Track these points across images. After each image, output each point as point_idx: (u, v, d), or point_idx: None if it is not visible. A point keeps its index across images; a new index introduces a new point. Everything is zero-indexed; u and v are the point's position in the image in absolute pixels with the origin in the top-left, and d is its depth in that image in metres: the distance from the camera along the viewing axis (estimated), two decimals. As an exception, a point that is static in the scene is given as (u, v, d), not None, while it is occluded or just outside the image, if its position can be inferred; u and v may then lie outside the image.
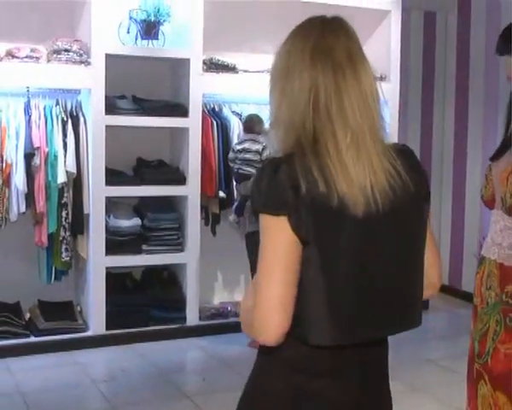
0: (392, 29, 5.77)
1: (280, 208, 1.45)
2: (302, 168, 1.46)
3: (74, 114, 4.98)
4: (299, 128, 1.52)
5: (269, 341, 1.48)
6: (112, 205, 5.13)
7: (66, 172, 4.83)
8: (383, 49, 5.82)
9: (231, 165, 5.07)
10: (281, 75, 1.56)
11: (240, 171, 4.95)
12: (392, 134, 5.77)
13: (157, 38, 5.15)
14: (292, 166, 1.46)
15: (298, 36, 1.57)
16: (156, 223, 5.20)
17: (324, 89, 1.51)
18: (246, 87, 5.26)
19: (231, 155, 5.06)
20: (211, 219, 5.46)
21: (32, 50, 4.84)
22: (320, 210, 1.46)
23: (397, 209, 1.52)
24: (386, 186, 1.51)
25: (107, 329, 5.02)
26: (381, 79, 5.78)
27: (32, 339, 4.89)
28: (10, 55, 4.78)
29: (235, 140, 5.30)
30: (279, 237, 1.46)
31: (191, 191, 5.19)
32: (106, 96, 4.93)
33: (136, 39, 5.14)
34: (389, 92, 5.78)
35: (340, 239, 1.48)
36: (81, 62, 4.89)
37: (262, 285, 1.47)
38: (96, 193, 4.94)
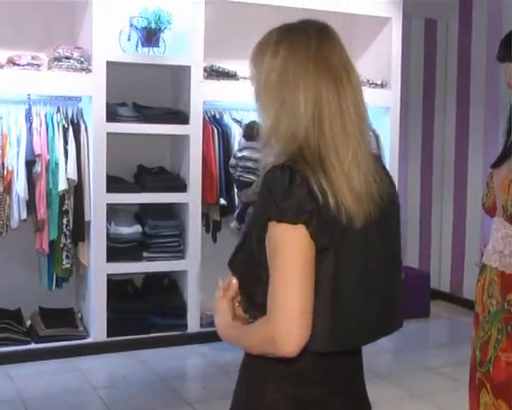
0: (393, 36, 5.77)
1: (299, 217, 1.44)
2: (314, 179, 1.47)
3: (75, 121, 4.97)
4: (301, 141, 1.51)
5: (291, 353, 1.45)
6: (112, 212, 5.12)
7: (67, 179, 4.83)
8: (384, 56, 5.83)
9: (232, 171, 5.07)
10: (279, 85, 1.52)
11: (241, 178, 4.95)
12: (393, 140, 5.81)
13: (158, 46, 5.15)
14: (304, 175, 1.46)
15: (295, 43, 1.53)
16: (157, 230, 5.19)
17: (327, 99, 1.51)
18: (246, 94, 5.23)
19: (232, 161, 5.06)
20: (211, 227, 5.46)
21: (33, 58, 4.84)
22: (332, 220, 1.47)
23: (384, 216, 1.57)
24: (376, 195, 1.55)
25: (108, 336, 5.01)
26: (382, 85, 5.79)
27: (33, 346, 4.88)
28: (11, 62, 4.78)
29: (235, 147, 5.29)
30: (298, 246, 1.44)
31: (192, 198, 5.19)
32: (107, 104, 4.93)
33: (136, 47, 5.14)
34: (390, 99, 5.80)
35: (347, 249, 1.50)
36: (82, 70, 4.89)
37: (282, 296, 1.44)
38: (97, 200, 4.94)
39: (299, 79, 1.51)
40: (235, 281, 1.61)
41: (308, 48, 1.52)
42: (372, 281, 1.55)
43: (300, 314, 1.43)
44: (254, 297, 1.55)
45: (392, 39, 5.78)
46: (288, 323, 1.42)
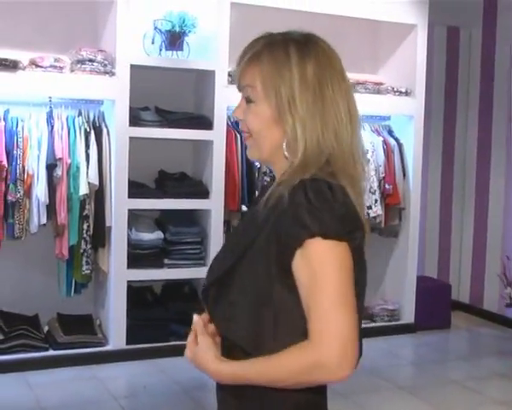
0: (419, 44, 5.70)
1: (345, 233, 1.39)
2: (351, 195, 1.45)
3: (97, 124, 4.89)
4: (328, 153, 1.47)
5: (346, 376, 1.36)
6: (133, 218, 5.04)
7: (89, 183, 4.75)
8: (409, 63, 5.76)
9: (265, 171, 5.05)
10: (316, 96, 1.47)
11: (265, 183, 4.89)
12: (416, 149, 5.73)
13: (182, 50, 5.08)
14: (345, 191, 1.44)
15: (320, 53, 1.50)
16: (178, 237, 5.10)
17: (352, 107, 1.52)
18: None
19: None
20: (233, 234, 5.38)
21: (56, 60, 4.76)
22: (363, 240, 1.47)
23: None
24: None
25: (128, 343, 4.93)
26: (407, 93, 5.71)
27: (51, 353, 4.80)
28: (34, 64, 4.71)
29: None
30: (344, 263, 1.38)
31: (214, 205, 5.10)
32: (129, 108, 4.85)
33: (160, 50, 5.07)
34: (414, 107, 5.73)
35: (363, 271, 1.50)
36: (105, 73, 4.81)
37: (335, 317, 1.35)
38: (119, 205, 4.86)
39: (335, 88, 1.49)
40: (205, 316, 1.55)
41: (335, 61, 1.52)
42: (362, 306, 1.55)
43: (356, 335, 1.37)
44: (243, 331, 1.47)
45: (418, 47, 5.70)
46: (345, 345, 1.34)
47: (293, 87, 1.47)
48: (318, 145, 1.46)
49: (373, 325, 5.69)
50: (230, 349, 1.49)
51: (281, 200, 1.42)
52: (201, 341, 1.50)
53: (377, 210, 5.49)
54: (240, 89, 1.57)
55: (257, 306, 1.45)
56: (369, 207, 5.44)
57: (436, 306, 6.01)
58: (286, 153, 1.49)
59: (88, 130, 4.81)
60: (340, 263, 1.38)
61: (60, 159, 4.69)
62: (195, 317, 1.54)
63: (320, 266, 1.37)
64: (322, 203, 1.38)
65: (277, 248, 1.42)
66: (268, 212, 1.45)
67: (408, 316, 5.85)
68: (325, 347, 1.34)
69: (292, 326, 1.43)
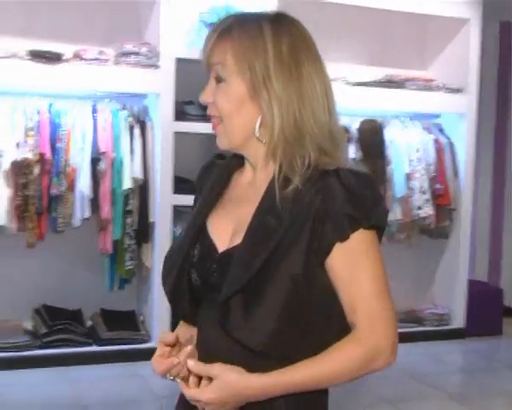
0: (472, 39, 5.51)
1: (382, 223, 1.39)
2: None
3: (141, 118, 4.83)
4: (323, 139, 1.39)
5: (394, 361, 1.36)
6: (177, 214, 4.94)
7: (133, 178, 4.68)
8: (460, 59, 5.57)
9: None
10: (292, 73, 1.38)
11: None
12: (469, 149, 5.54)
13: (227, 42, 4.98)
14: (373, 180, 1.43)
15: (293, 30, 1.41)
16: (222, 233, 5.00)
17: (328, 90, 1.44)
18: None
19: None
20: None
21: (100, 53, 4.71)
22: None
23: None
24: None
25: (171, 341, 4.84)
26: (458, 90, 5.53)
27: (94, 348, 4.75)
28: (77, 57, 4.66)
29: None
30: (379, 250, 1.38)
31: (260, 201, 4.99)
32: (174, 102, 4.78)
33: (205, 43, 4.98)
34: (466, 105, 5.54)
35: None
36: (150, 66, 4.74)
37: (383, 303, 1.35)
38: (163, 201, 4.78)
39: (311, 68, 1.40)
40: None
41: (304, 37, 1.44)
42: None
43: (396, 321, 1.37)
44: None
45: (471, 42, 5.51)
46: (394, 330, 1.35)
47: (268, 63, 1.37)
48: (295, 124, 1.37)
49: (421, 329, 5.50)
50: (251, 362, 1.35)
51: (299, 192, 1.35)
52: (218, 370, 1.34)
53: (428, 210, 5.31)
54: (208, 69, 1.46)
55: (295, 309, 1.34)
56: (419, 208, 5.29)
57: (487, 311, 5.79)
58: (257, 132, 1.40)
59: (132, 124, 4.75)
60: (377, 251, 1.37)
61: (104, 153, 4.63)
62: (191, 362, 1.38)
63: (361, 256, 1.35)
64: (358, 192, 1.34)
65: (312, 242, 1.34)
66: (289, 208, 1.35)
67: (458, 321, 5.64)
68: (379, 333, 1.33)
69: (328, 323, 1.38)
